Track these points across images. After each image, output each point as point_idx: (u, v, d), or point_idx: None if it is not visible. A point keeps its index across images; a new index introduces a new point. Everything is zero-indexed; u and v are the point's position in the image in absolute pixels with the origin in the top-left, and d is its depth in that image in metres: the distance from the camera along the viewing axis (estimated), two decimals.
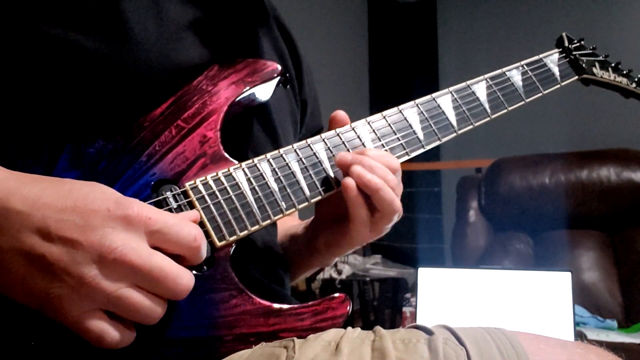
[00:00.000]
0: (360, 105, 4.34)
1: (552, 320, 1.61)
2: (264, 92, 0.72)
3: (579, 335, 1.87)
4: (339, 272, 3.07)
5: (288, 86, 0.76)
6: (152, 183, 0.62)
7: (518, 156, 2.75)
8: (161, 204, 0.61)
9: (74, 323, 0.51)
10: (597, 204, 2.57)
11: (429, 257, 3.82)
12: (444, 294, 1.72)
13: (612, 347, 0.61)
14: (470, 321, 1.66)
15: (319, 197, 0.68)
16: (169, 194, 0.62)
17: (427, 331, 0.59)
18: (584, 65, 0.96)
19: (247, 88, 0.69)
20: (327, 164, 0.70)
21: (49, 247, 0.49)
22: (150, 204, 0.60)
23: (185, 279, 0.54)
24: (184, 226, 0.55)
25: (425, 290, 1.74)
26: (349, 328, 0.62)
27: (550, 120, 3.67)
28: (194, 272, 0.60)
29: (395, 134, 0.75)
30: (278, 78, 0.71)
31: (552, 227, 2.60)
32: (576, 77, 0.96)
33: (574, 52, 0.96)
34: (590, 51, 0.99)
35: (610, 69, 1.01)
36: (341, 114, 0.76)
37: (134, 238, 0.52)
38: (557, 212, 2.56)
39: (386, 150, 0.75)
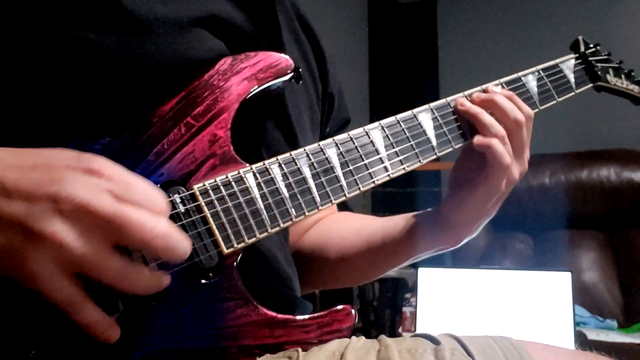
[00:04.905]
0: (360, 105, 4.32)
1: (552, 320, 1.61)
2: (277, 88, 0.69)
3: (579, 335, 1.87)
4: None
5: (300, 82, 0.73)
6: (160, 184, 0.60)
7: None
8: None
9: (43, 289, 0.48)
10: (597, 204, 2.57)
11: (429, 257, 3.81)
12: (444, 294, 1.72)
13: (612, 347, 0.61)
14: (471, 321, 1.66)
15: (329, 205, 0.66)
16: (176, 196, 0.59)
17: (434, 340, 0.59)
18: (599, 72, 0.92)
19: (260, 85, 0.66)
20: (339, 171, 0.68)
21: (7, 203, 0.47)
22: None
23: (161, 228, 0.50)
24: (155, 191, 0.53)
25: (425, 290, 1.74)
26: (354, 337, 0.62)
27: (550, 120, 3.64)
28: (203, 280, 0.59)
29: (410, 141, 0.73)
30: (292, 74, 0.68)
31: (552, 227, 2.61)
32: (591, 85, 0.91)
33: (589, 58, 0.92)
34: (606, 57, 0.95)
35: (623, 75, 0.97)
36: None
37: (95, 187, 0.49)
38: (557, 212, 2.57)
39: (400, 158, 0.72)
